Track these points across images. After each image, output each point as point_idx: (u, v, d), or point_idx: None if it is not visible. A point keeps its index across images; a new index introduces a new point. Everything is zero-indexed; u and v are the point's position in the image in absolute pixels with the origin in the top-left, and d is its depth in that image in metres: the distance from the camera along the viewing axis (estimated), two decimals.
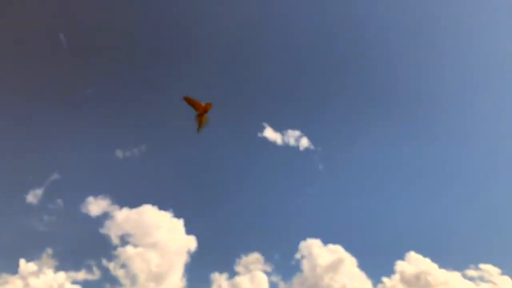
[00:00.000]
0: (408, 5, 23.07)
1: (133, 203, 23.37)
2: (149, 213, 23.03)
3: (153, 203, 22.95)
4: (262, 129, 22.51)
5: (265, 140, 22.52)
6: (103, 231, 22.30)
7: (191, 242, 22.60)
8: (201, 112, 13.33)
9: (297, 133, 22.43)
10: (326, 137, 22.97)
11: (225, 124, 23.18)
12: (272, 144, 22.48)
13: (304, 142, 22.16)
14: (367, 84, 23.87)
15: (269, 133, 22.47)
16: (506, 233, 20.78)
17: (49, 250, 21.84)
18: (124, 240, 22.18)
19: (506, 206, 21.56)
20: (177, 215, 23.06)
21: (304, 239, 21.88)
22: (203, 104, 13.19)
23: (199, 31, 23.46)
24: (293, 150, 22.57)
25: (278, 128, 22.51)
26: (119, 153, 23.57)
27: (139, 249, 22.17)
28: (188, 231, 22.67)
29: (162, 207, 22.99)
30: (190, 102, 13.37)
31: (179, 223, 22.98)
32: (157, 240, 22.76)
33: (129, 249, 22.03)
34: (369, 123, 23.48)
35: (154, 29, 23.17)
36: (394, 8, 22.69)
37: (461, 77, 23.66)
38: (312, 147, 22.25)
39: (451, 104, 23.66)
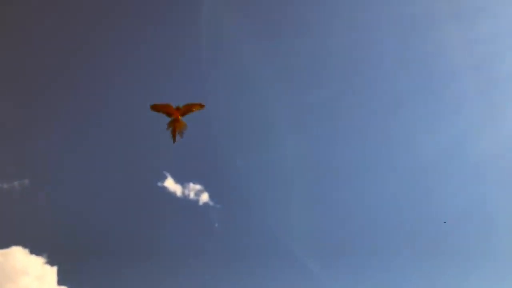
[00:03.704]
0: None
1: (1, 243, 19.37)
2: (17, 256, 19.42)
3: (25, 246, 19.27)
4: (163, 178, 21.15)
5: (164, 189, 21.10)
6: None
7: None
8: (176, 118, 10.74)
9: (198, 187, 21.54)
10: (227, 196, 22.21)
11: (123, 168, 20.98)
12: (172, 195, 21.14)
13: (204, 197, 21.28)
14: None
15: (170, 184, 21.19)
16: None
17: None
18: None
19: None
20: (50, 262, 19.61)
21: None
22: (177, 107, 10.71)
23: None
24: (192, 204, 21.43)
25: (179, 179, 21.26)
26: None
27: None
28: (61, 281, 19.34)
29: (34, 251, 19.40)
30: (159, 109, 10.81)
31: (52, 271, 19.59)
32: None
33: None
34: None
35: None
36: None
37: None
38: (211, 203, 21.31)
39: None
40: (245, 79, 21.94)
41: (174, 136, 10.70)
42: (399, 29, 22.82)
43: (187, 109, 10.65)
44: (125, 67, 21.56)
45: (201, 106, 10.70)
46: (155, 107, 10.66)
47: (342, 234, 22.41)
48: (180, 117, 10.65)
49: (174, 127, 10.66)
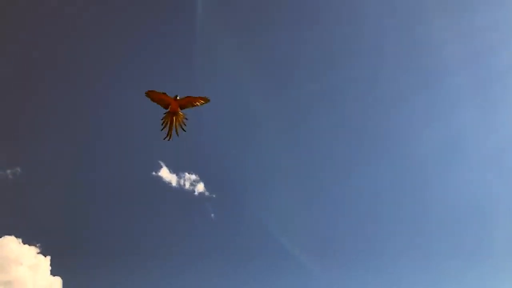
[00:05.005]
0: None
1: None
2: (10, 245, 19.21)
3: (18, 235, 19.07)
4: (158, 168, 20.63)
5: (159, 179, 20.65)
6: None
7: (56, 285, 19.21)
8: (173, 110, 9.83)
9: (194, 177, 21.08)
10: (224, 186, 21.84)
11: (117, 156, 20.56)
12: (166, 184, 20.70)
13: (200, 187, 20.87)
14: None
15: (165, 173, 20.73)
16: None
17: None
18: None
19: None
20: (44, 252, 19.46)
21: None
22: (175, 97, 9.67)
23: None
24: (187, 194, 21.01)
25: (174, 169, 20.77)
26: None
27: None
28: (54, 272, 19.19)
29: (27, 240, 19.16)
30: (155, 98, 9.78)
31: (45, 261, 19.45)
32: (14, 278, 19.00)
33: None
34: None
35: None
36: None
37: None
38: (207, 193, 20.89)
39: None
40: (242, 72, 21.42)
41: (170, 131, 9.79)
42: (394, 21, 22.42)
43: (188, 101, 9.74)
44: (119, 58, 20.93)
45: (206, 100, 9.81)
46: (151, 94, 9.68)
47: (337, 225, 22.51)
48: (178, 109, 9.79)
49: (172, 121, 9.79)
